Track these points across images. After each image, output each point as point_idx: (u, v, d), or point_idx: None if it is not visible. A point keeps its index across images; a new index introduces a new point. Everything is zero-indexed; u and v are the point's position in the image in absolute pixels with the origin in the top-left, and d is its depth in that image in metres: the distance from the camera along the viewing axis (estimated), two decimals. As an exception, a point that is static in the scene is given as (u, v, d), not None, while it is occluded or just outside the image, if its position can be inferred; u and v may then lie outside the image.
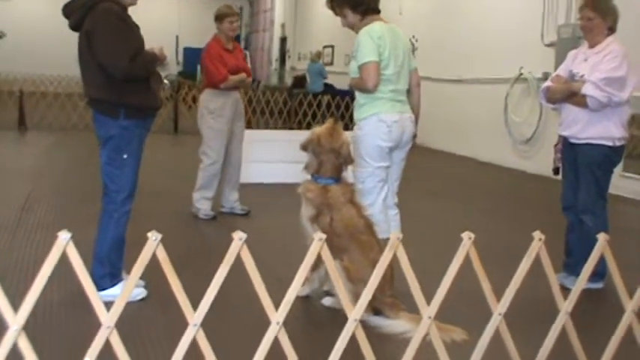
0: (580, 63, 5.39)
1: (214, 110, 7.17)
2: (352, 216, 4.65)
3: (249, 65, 7.66)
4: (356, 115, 5.13)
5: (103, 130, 4.59)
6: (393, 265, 3.14)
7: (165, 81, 22.60)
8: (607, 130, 5.23)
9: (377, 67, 4.92)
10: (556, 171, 5.75)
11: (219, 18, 7.24)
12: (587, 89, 5.15)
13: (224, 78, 7.09)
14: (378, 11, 5.13)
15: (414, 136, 5.23)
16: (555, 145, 5.69)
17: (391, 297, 4.48)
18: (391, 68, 4.99)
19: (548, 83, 5.54)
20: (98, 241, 4.64)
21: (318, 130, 4.88)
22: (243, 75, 7.26)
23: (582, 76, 5.27)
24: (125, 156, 4.57)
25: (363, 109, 5.04)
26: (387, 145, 5.00)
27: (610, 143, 5.26)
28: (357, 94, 5.14)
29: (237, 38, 7.57)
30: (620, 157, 5.43)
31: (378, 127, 4.96)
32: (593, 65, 5.23)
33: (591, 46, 5.36)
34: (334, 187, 4.71)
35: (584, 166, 5.33)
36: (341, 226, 4.60)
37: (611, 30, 5.32)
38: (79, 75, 4.66)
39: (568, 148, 5.48)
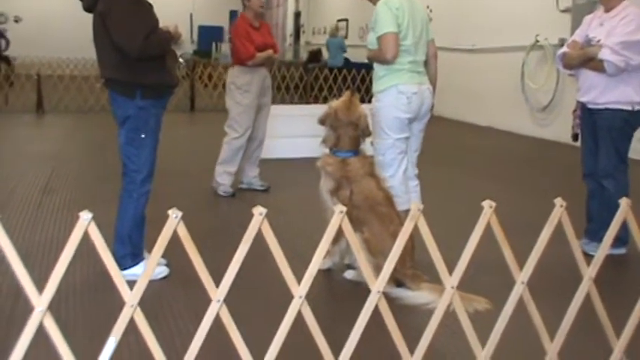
0: (596, 28, 5.32)
1: (241, 86, 7.20)
2: (372, 188, 4.63)
3: (275, 41, 7.65)
4: (375, 87, 5.10)
5: (121, 110, 4.59)
6: (414, 236, 3.12)
7: (181, 59, 22.61)
8: (625, 95, 5.18)
9: (396, 37, 4.90)
10: (575, 137, 5.71)
11: None
12: (604, 54, 5.09)
13: (251, 55, 7.10)
14: None
15: (432, 107, 5.20)
16: (574, 112, 5.64)
17: (412, 268, 4.48)
18: (409, 39, 4.96)
19: (564, 49, 5.48)
20: (119, 220, 4.66)
21: (335, 103, 4.86)
22: (270, 52, 7.24)
23: (599, 40, 5.21)
24: (143, 135, 4.57)
25: (382, 80, 5.01)
26: (407, 116, 4.97)
27: (629, 108, 5.20)
28: (375, 65, 5.11)
29: None
30: (639, 121, 5.37)
31: (397, 98, 4.94)
32: (609, 29, 5.18)
33: (607, 10, 5.30)
34: (353, 160, 4.69)
35: (604, 132, 5.28)
36: (361, 198, 4.59)
37: None
38: (95, 57, 4.66)
39: (586, 114, 5.42)
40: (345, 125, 4.73)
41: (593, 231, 5.28)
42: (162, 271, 4.65)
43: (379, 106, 5.01)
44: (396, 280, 4.36)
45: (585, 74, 5.35)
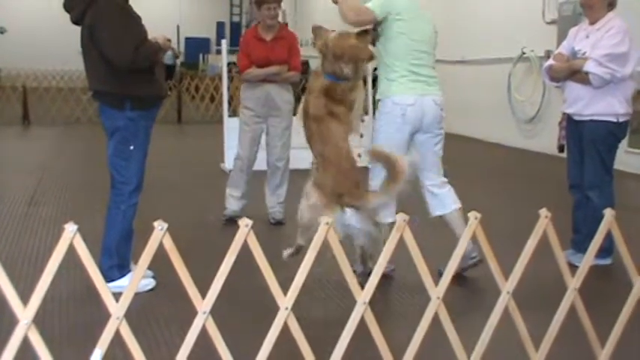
0: (582, 40, 5.36)
1: (242, 101, 6.79)
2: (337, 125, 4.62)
3: (299, 56, 6.99)
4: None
5: (109, 122, 4.60)
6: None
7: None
8: (610, 107, 5.22)
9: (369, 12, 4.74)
10: (561, 148, 5.75)
11: (257, 4, 6.65)
12: (590, 66, 5.14)
13: (242, 69, 6.70)
14: None
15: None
16: (560, 123, 5.68)
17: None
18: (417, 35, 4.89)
19: (550, 62, 5.52)
20: (106, 233, 4.65)
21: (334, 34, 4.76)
22: (273, 68, 6.55)
23: (584, 53, 5.25)
24: (132, 147, 4.58)
25: (380, 89, 4.98)
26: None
27: (614, 119, 5.25)
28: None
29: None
30: (624, 132, 5.43)
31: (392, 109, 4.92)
32: (594, 42, 5.22)
33: (592, 22, 5.34)
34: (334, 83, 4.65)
35: (589, 143, 5.32)
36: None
37: (612, 5, 5.31)
38: (81, 69, 4.67)
39: (572, 126, 5.46)
40: (332, 57, 4.63)
41: (579, 242, 5.30)
42: (149, 283, 4.64)
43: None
44: (344, 204, 4.41)
45: (571, 86, 5.38)
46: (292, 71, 6.73)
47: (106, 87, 4.56)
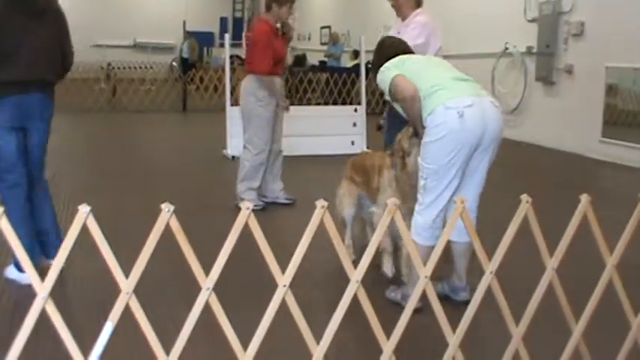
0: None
1: (263, 98, 6.41)
2: None
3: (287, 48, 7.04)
4: None
5: (50, 111, 4.56)
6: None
7: (174, 63, 22.69)
8: None
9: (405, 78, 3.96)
10: (378, 127, 6.00)
11: (280, 2, 6.40)
12: None
13: (268, 71, 6.39)
14: None
15: None
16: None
17: None
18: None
19: None
20: (52, 220, 4.70)
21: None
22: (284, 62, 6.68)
23: None
24: None
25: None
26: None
27: None
28: None
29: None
30: None
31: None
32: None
33: (403, 19, 5.71)
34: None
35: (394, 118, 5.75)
36: None
37: (418, 4, 5.70)
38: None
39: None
40: None
41: None
42: None
43: None
44: None
45: None
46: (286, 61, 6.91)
47: (55, 78, 4.54)
